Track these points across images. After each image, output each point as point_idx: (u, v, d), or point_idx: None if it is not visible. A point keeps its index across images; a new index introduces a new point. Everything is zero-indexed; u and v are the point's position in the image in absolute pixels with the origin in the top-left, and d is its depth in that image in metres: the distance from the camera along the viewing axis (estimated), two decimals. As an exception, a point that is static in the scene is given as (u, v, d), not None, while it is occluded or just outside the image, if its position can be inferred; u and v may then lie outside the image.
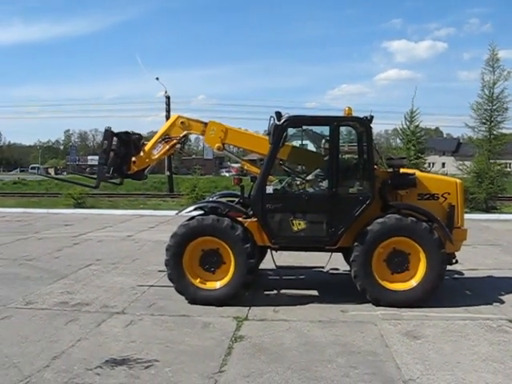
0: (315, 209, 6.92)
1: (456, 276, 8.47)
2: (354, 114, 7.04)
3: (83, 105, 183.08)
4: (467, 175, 19.46)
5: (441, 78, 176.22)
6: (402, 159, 7.36)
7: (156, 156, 7.84)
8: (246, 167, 7.79)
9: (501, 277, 8.62)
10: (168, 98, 32.98)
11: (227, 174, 62.59)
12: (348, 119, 6.98)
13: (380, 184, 7.01)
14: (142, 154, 7.84)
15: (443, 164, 60.90)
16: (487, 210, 18.66)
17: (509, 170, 20.08)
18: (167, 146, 7.77)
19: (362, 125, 6.89)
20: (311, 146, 8.24)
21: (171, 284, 7.25)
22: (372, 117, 6.85)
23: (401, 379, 4.57)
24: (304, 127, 7.63)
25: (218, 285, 6.93)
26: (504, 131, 19.74)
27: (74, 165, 59.43)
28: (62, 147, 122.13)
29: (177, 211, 8.42)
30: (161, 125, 8.86)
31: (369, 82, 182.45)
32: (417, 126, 19.81)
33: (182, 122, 7.69)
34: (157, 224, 16.10)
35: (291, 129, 7.11)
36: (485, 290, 7.67)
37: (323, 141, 7.32)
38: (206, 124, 7.68)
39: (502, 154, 19.70)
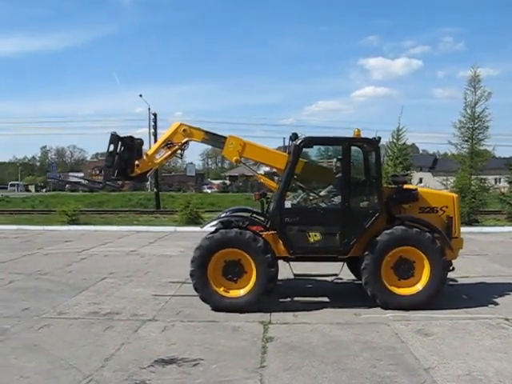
0: (330, 221, 7.57)
1: (451, 283, 9.17)
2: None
3: (59, 122, 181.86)
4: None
5: (416, 94, 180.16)
6: (405, 176, 8.10)
7: (159, 160, 8.42)
8: (262, 180, 8.41)
9: (491, 282, 9.41)
10: (155, 115, 33.66)
11: (209, 191, 62.98)
12: (358, 140, 7.68)
13: (386, 199, 7.71)
14: (145, 157, 8.41)
15: (420, 179, 62.33)
16: (469, 223, 19.60)
17: (489, 185, 21.09)
18: (169, 152, 8.34)
19: (371, 145, 7.62)
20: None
21: (190, 294, 7.92)
22: (380, 138, 7.59)
23: (421, 368, 5.23)
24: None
25: (241, 293, 7.47)
26: (484, 148, 20.94)
27: (55, 181, 59.48)
28: (38, 164, 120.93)
29: (201, 225, 8.96)
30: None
31: (345, 99, 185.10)
32: (403, 143, 20.83)
33: (184, 130, 8.27)
34: (155, 239, 16.57)
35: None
36: (479, 294, 8.41)
37: (334, 159, 8.01)
38: (222, 137, 8.29)
39: (482, 169, 20.81)
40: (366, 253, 7.39)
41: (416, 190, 7.97)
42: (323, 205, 7.85)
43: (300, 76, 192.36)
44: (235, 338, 6.29)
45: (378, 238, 7.36)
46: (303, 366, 5.32)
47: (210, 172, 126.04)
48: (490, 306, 7.71)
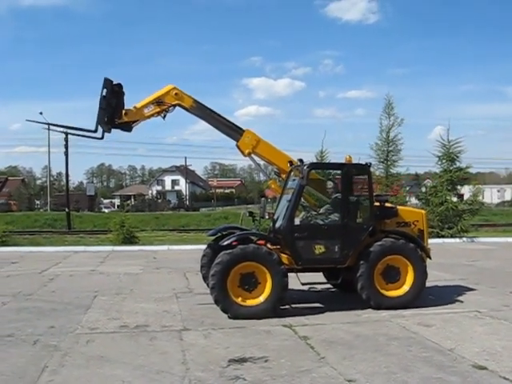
0: (332, 235, 8.79)
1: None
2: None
3: None
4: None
5: (298, 114, 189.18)
6: (386, 196, 9.57)
7: (147, 114, 9.20)
8: (273, 186, 9.45)
9: (443, 285, 11.18)
10: (66, 133, 32.79)
11: (106, 211, 61.12)
12: (354, 165, 9.04)
13: (372, 215, 9.09)
14: (132, 108, 9.12)
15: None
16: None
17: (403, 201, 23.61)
18: (158, 109, 9.17)
19: (364, 169, 8.99)
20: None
21: (196, 305, 9.07)
22: (371, 163, 9.01)
23: (446, 349, 6.59)
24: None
25: (257, 301, 8.37)
26: (399, 169, 23.64)
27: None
28: None
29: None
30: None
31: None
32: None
33: (175, 93, 9.17)
34: (103, 259, 16.67)
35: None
36: (441, 295, 10.04)
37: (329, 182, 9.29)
38: (229, 121, 9.50)
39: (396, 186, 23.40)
40: (361, 262, 8.67)
41: (395, 207, 9.47)
42: (326, 221, 9.03)
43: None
44: (276, 339, 7.22)
45: (371, 249, 8.69)
46: (355, 355, 6.43)
47: (97, 191, 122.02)
48: (456, 303, 9.37)
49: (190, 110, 9.31)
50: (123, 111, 9.01)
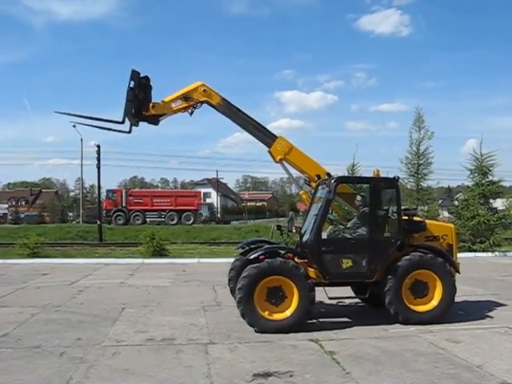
0: (359, 250, 8.73)
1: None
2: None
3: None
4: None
5: (330, 127, 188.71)
6: (415, 209, 9.46)
7: (174, 108, 9.29)
8: (304, 196, 9.44)
9: (473, 300, 10.94)
10: (98, 146, 33.64)
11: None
12: (382, 179, 8.98)
13: (400, 229, 8.99)
14: (160, 102, 9.20)
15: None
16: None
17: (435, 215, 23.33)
18: (185, 104, 9.25)
19: (392, 183, 8.92)
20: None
21: (222, 319, 8.95)
22: (399, 177, 8.92)
23: (473, 366, 6.47)
24: None
25: (284, 315, 8.33)
26: (429, 182, 23.42)
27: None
28: None
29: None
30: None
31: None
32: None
33: (204, 90, 9.23)
34: (133, 271, 16.79)
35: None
36: (471, 310, 9.83)
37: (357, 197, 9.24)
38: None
39: (427, 201, 23.14)
40: (389, 276, 8.56)
41: (424, 221, 9.34)
42: (354, 235, 8.97)
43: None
44: (301, 354, 7.17)
45: (399, 263, 8.58)
46: (381, 371, 6.35)
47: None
48: (486, 318, 9.16)
49: (217, 107, 9.35)
50: (150, 104, 9.14)
